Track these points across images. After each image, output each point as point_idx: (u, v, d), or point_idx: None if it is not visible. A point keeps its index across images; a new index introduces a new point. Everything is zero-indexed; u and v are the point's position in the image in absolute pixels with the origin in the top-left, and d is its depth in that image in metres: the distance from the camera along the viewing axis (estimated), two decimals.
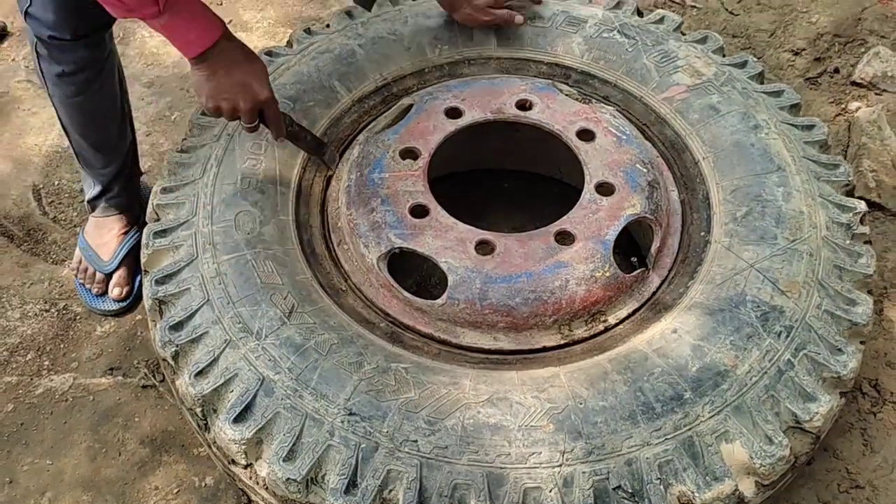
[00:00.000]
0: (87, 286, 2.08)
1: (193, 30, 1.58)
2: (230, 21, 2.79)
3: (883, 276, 2.08)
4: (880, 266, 2.08)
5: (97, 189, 2.08)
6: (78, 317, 2.06)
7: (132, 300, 2.08)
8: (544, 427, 1.40)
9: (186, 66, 2.61)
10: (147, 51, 2.68)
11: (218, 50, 1.60)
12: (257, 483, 1.47)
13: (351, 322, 1.57)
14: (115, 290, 2.07)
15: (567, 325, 1.62)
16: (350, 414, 1.42)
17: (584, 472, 1.36)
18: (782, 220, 1.67)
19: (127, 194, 2.12)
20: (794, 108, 1.92)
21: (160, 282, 1.63)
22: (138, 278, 2.06)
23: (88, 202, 2.12)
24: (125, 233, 2.12)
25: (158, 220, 1.75)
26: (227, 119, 1.69)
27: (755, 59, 2.02)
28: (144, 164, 2.38)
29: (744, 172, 1.77)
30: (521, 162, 2.24)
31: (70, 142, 2.03)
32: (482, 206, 2.22)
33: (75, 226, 2.24)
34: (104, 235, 2.10)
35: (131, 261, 2.09)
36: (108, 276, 2.07)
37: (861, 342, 1.59)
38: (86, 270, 2.08)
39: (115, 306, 2.06)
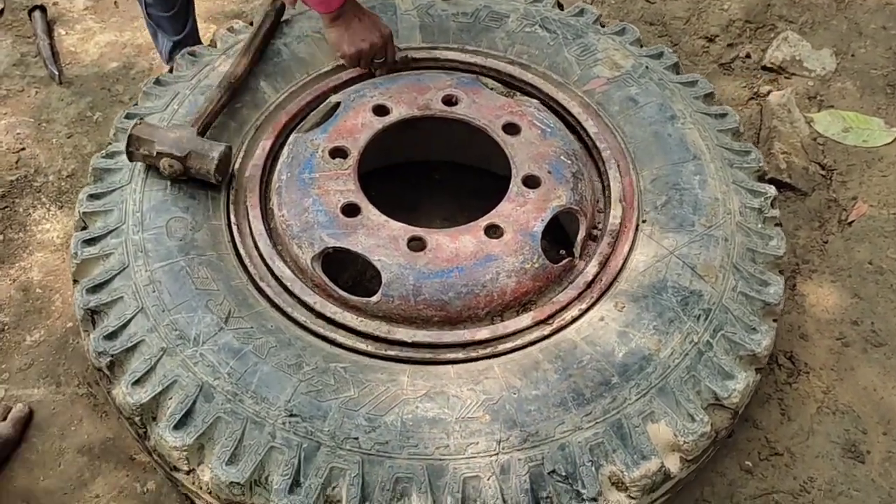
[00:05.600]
0: None
1: None
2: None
3: (795, 252, 2.20)
4: (792, 244, 2.20)
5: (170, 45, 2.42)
6: (6, 327, 2.02)
7: None
8: (480, 418, 1.46)
9: (106, 65, 2.59)
10: (65, 49, 2.61)
11: (348, 4, 1.91)
12: (200, 488, 1.49)
13: (288, 324, 1.59)
14: None
15: (500, 317, 1.67)
16: (291, 415, 1.45)
17: (519, 459, 1.42)
18: (699, 208, 1.75)
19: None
20: (708, 98, 2.01)
21: (91, 291, 1.62)
22: None
23: (167, 62, 2.46)
24: None
25: (86, 227, 1.73)
26: (366, 61, 1.98)
27: (670, 50, 2.10)
28: (67, 166, 2.34)
29: (662, 162, 1.84)
30: (450, 153, 2.28)
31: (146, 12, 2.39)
32: (414, 197, 2.26)
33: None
34: None
35: None
36: None
37: (774, 320, 1.69)
38: None
39: None
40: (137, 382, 1.51)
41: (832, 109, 2.47)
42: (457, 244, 1.69)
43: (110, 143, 1.86)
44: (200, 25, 2.70)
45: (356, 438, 1.43)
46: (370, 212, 1.73)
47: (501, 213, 1.75)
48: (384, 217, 1.73)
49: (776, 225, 1.80)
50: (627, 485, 1.43)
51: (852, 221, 2.23)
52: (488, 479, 1.40)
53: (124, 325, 1.57)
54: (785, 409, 1.95)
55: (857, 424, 1.90)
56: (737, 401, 1.54)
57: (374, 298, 1.65)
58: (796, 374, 2.00)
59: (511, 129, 1.90)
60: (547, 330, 1.61)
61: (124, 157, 1.77)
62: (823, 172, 2.34)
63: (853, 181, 2.31)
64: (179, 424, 1.46)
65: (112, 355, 1.54)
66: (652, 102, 1.94)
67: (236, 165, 1.83)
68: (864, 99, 2.49)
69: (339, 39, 1.96)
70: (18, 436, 1.83)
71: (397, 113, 1.91)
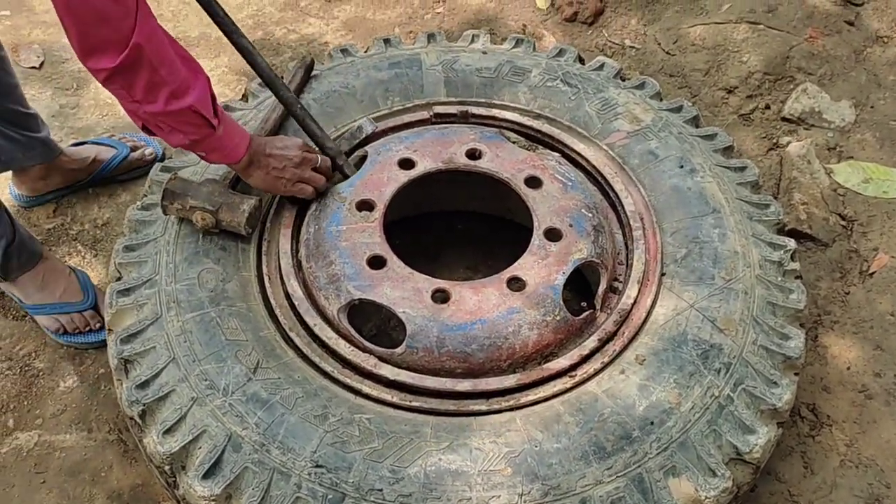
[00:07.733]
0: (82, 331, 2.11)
1: (237, 133, 1.70)
2: None
3: (816, 303, 2.21)
4: (813, 294, 2.21)
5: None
6: (40, 373, 2.08)
7: None
8: (502, 471, 1.48)
9: None
10: (101, 101, 2.70)
11: (255, 141, 1.74)
12: None
13: (315, 375, 1.63)
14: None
15: (522, 369, 1.70)
16: (317, 466, 1.48)
17: None
18: (719, 261, 1.78)
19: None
20: (727, 151, 2.04)
21: (125, 341, 1.67)
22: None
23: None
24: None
25: (121, 278, 1.79)
26: (310, 192, 1.85)
27: (689, 103, 2.14)
28: (103, 215, 2.41)
29: (682, 215, 1.87)
30: (472, 204, 2.33)
31: None
32: (436, 247, 2.31)
33: None
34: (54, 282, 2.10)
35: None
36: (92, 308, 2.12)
37: (795, 374, 1.69)
38: (70, 322, 2.10)
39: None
40: (168, 431, 1.55)
41: (852, 160, 2.50)
42: (479, 297, 1.72)
43: (145, 196, 1.93)
44: (231, 79, 2.79)
45: (380, 490, 1.45)
46: (395, 264, 1.78)
47: (523, 266, 1.78)
48: (409, 269, 1.77)
49: (796, 278, 1.82)
50: None
51: (874, 272, 2.24)
52: None
53: (156, 375, 1.61)
54: (808, 462, 1.95)
55: (880, 478, 1.89)
56: (758, 455, 1.55)
57: (399, 350, 1.68)
58: (819, 426, 2.00)
59: (533, 182, 1.94)
60: (569, 383, 1.64)
61: (159, 209, 1.83)
62: (844, 223, 2.36)
63: (874, 232, 2.32)
64: (208, 474, 1.49)
65: (144, 404, 1.58)
66: (671, 156, 1.98)
67: (268, 218, 1.88)
68: (884, 150, 2.51)
69: (267, 182, 1.79)
70: None
71: (422, 166, 1.96)
